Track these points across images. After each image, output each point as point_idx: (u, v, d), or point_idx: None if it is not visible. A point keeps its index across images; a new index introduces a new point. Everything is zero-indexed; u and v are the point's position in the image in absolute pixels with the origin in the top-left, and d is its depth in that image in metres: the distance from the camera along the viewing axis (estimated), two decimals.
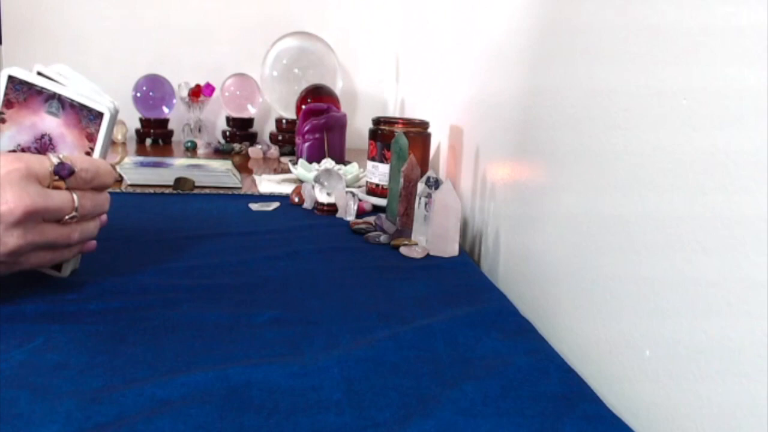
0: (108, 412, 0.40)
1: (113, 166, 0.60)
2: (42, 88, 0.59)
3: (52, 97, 0.59)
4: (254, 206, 1.01)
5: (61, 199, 0.55)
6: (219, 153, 1.64)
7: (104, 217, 0.62)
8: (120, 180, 1.15)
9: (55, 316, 0.55)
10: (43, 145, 0.60)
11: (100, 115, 0.60)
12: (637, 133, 0.48)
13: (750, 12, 0.36)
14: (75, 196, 0.56)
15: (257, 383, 0.45)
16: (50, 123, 0.60)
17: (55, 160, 0.55)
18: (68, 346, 0.49)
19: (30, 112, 0.59)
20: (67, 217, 0.56)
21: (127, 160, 1.24)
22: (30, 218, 0.53)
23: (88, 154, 0.60)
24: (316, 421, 0.41)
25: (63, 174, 0.55)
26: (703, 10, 0.41)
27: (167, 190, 1.10)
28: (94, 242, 0.61)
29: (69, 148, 0.60)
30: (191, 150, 1.66)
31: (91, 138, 0.60)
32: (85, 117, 0.60)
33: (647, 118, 0.47)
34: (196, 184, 1.14)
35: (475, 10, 1.02)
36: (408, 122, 1.04)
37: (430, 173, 0.82)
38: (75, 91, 0.60)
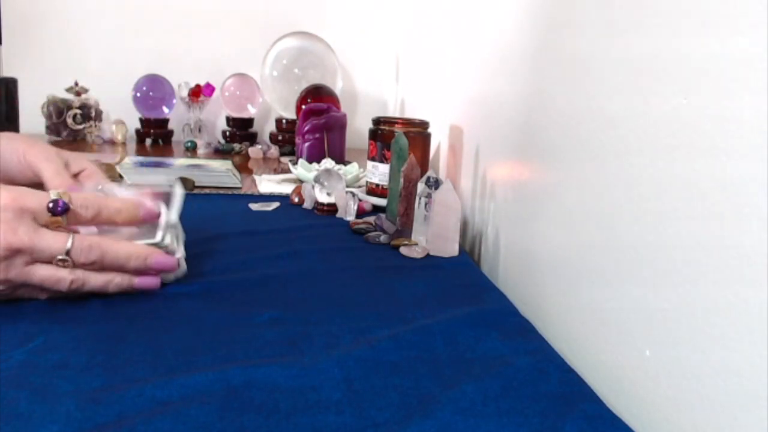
0: (108, 412, 0.40)
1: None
2: (171, 224, 0.61)
3: (166, 227, 0.61)
4: (254, 206, 1.01)
5: (50, 239, 0.53)
6: (219, 153, 1.64)
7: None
8: (120, 179, 1.15)
9: (55, 316, 0.55)
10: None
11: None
12: (638, 134, 0.48)
13: (748, 35, 0.36)
14: (70, 238, 0.54)
15: (257, 383, 0.45)
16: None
17: (53, 196, 0.53)
18: (68, 346, 0.49)
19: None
20: (58, 258, 0.54)
21: (127, 160, 1.24)
22: (14, 256, 0.52)
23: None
24: (316, 421, 0.41)
25: (57, 211, 0.53)
26: (702, 8, 0.41)
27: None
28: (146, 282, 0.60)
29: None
30: (191, 150, 1.66)
31: None
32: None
33: (646, 117, 0.47)
34: (196, 184, 1.14)
35: (476, 10, 1.02)
36: (408, 122, 1.04)
37: (430, 173, 0.82)
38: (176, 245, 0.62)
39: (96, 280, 0.57)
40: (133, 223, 0.60)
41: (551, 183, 0.65)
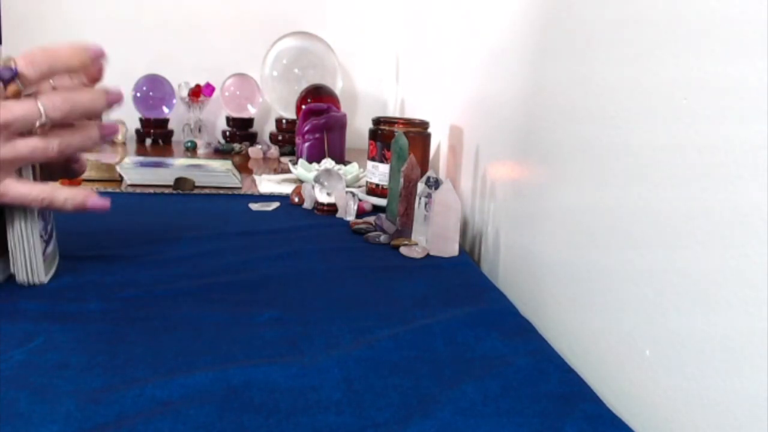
0: (108, 412, 0.40)
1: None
2: None
3: None
4: (254, 206, 1.01)
5: (21, 107, 0.52)
6: (219, 153, 1.64)
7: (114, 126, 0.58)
8: (120, 179, 1.15)
9: (55, 316, 0.55)
10: None
11: None
12: (637, 131, 0.48)
13: (749, 7, 0.36)
14: (39, 102, 0.52)
15: (257, 383, 0.45)
16: None
17: None
18: (68, 346, 0.49)
19: None
20: (37, 124, 0.52)
21: (127, 160, 1.24)
22: None
23: None
24: (316, 421, 0.41)
25: (4, 79, 0.51)
26: (702, 6, 0.41)
27: (167, 190, 1.10)
28: (115, 128, 0.58)
29: None
30: (191, 150, 1.66)
31: None
32: None
33: (646, 116, 0.47)
34: (196, 184, 1.14)
35: (475, 10, 1.02)
36: (408, 122, 1.04)
37: (430, 173, 0.82)
38: None
39: (75, 138, 0.56)
40: (87, 67, 0.56)
41: (551, 183, 0.65)
